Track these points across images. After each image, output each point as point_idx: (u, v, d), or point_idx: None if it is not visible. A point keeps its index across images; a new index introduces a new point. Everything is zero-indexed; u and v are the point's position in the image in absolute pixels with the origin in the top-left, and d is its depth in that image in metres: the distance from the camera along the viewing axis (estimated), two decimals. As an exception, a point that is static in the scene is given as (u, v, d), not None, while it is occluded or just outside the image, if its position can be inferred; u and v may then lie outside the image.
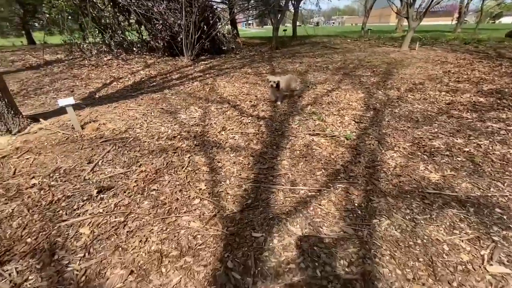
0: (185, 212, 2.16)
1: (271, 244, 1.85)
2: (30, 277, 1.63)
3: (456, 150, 2.99)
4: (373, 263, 1.69)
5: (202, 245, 1.85)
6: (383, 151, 3.04)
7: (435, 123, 3.70)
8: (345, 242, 1.86)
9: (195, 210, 2.19)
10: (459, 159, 2.83)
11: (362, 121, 3.82)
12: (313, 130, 3.55)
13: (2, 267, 1.69)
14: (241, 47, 11.71)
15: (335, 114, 4.07)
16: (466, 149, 3.00)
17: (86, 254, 1.79)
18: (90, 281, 1.61)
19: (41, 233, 1.96)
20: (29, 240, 1.91)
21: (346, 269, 1.65)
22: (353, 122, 3.80)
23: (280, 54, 9.68)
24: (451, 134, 3.36)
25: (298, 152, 3.06)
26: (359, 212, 2.13)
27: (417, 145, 3.13)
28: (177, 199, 2.32)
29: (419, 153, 2.97)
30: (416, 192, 2.36)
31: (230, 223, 2.04)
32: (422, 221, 2.04)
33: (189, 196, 2.36)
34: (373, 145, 3.17)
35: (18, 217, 2.11)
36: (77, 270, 1.68)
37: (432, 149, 3.03)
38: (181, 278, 1.62)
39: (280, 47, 11.44)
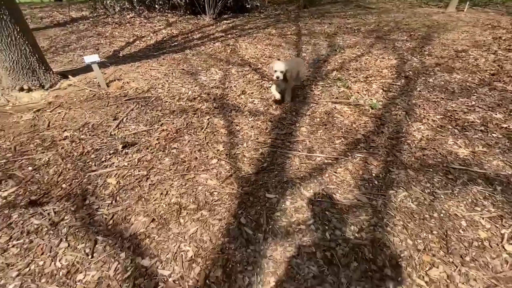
0: (203, 170, 2.25)
1: (283, 205, 1.90)
2: (66, 217, 1.83)
3: (492, 126, 2.75)
4: (384, 231, 1.70)
5: (218, 201, 1.95)
6: (409, 122, 2.87)
7: (474, 95, 3.38)
8: (358, 209, 1.86)
9: (212, 169, 2.27)
10: (494, 135, 2.62)
11: (390, 89, 3.57)
12: (336, 98, 3.40)
13: (42, 207, 1.91)
14: (266, 5, 10.95)
15: (362, 81, 3.83)
16: (505, 125, 2.75)
17: (113, 201, 1.96)
18: (117, 224, 1.79)
19: (74, 180, 2.15)
20: (64, 185, 2.11)
21: (356, 235, 1.68)
22: (381, 90, 3.57)
23: (308, 14, 8.96)
24: (490, 108, 3.07)
25: (318, 119, 2.97)
26: (376, 182, 2.10)
27: (449, 118, 2.91)
28: (196, 158, 2.40)
29: (450, 127, 2.77)
30: (440, 166, 2.25)
31: (245, 183, 2.11)
32: (442, 196, 1.97)
33: (207, 156, 2.43)
34: (399, 115, 2.99)
35: (54, 165, 2.32)
36: (106, 215, 1.86)
37: (465, 123, 2.81)
38: (197, 228, 1.74)
39: (309, 5, 10.54)
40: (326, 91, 3.58)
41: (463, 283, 1.43)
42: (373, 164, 2.29)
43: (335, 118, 2.97)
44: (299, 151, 2.47)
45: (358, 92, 3.53)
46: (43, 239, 1.67)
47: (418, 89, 3.58)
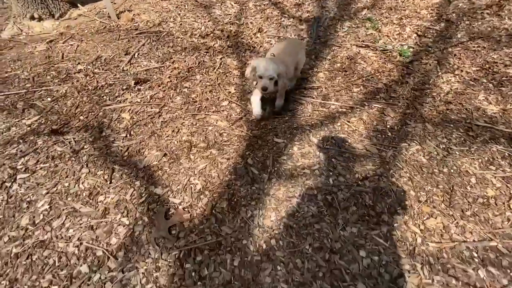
0: (213, 112, 2.25)
1: (290, 150, 1.92)
2: (85, 147, 1.96)
3: (535, 82, 2.46)
4: (388, 182, 1.71)
5: (227, 142, 1.99)
6: (440, 73, 2.61)
7: (523, 45, 2.94)
8: (365, 159, 1.85)
9: (223, 111, 2.26)
10: (534, 92, 2.36)
11: (426, 34, 3.16)
12: (363, 41, 3.08)
13: (63, 136, 2.03)
14: None
15: (394, 23, 3.39)
16: (550, 82, 2.45)
17: (128, 135, 2.05)
18: (132, 156, 1.90)
19: (90, 113, 2.23)
20: (81, 117, 2.20)
21: (359, 182, 1.71)
22: (415, 35, 3.17)
23: None
24: (538, 62, 2.70)
25: (338, 64, 2.76)
26: (389, 134, 2.03)
27: (486, 71, 2.61)
28: (207, 98, 2.37)
29: (484, 81, 2.50)
30: (463, 122, 2.12)
31: (255, 127, 2.11)
32: (457, 152, 1.90)
33: (218, 97, 2.39)
34: (430, 65, 2.71)
35: (71, 98, 2.38)
36: (121, 147, 1.97)
37: (503, 78, 2.51)
38: (206, 165, 1.82)
39: None
40: (352, 32, 3.23)
41: (458, 234, 1.48)
42: (389, 116, 2.18)
43: (357, 65, 2.75)
44: (313, 98, 2.37)
45: (388, 36, 3.16)
46: (66, 164, 1.82)
47: (459, 35, 3.15)
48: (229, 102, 2.34)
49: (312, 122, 2.13)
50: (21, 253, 1.40)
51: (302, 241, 1.43)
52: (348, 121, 2.14)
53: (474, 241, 1.44)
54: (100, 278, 1.29)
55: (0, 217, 1.55)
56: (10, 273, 1.33)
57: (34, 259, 1.37)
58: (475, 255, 1.38)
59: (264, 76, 1.78)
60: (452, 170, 1.79)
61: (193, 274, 1.29)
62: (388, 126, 2.10)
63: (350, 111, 2.24)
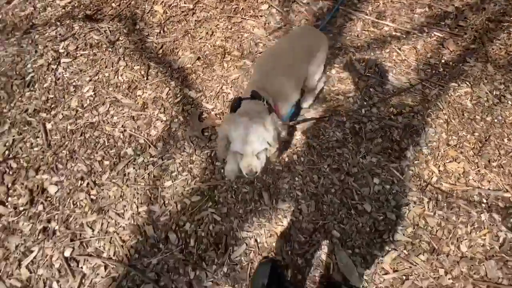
0: (251, 16, 2.05)
1: (328, 72, 1.81)
2: (120, 38, 1.93)
3: None
4: (423, 121, 1.65)
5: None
6: (531, 2, 2.11)
7: None
8: (406, 94, 1.75)
9: (261, 16, 2.05)
10: None
11: None
12: None
13: (98, 24, 1.98)
14: None
15: None
16: None
17: (161, 31, 1.97)
18: (166, 55, 1.88)
19: (122, 1, 2.10)
20: (113, 5, 2.09)
21: (392, 116, 1.67)
22: None
23: None
24: None
25: (407, -27, 2.26)
26: (441, 70, 1.84)
27: None
28: (245, -1, 2.12)
29: None
30: (532, 69, 1.85)
31: (294, 41, 1.94)
32: (509, 102, 1.74)
33: (258, -1, 2.13)
34: (523, -12, 2.17)
35: (100, -22, 2.20)
36: (156, 43, 1.92)
37: None
38: (239, 76, 1.80)
39: None
40: None
41: (475, 181, 1.51)
42: (448, 49, 1.92)
43: (430, -23, 2.24)
44: (366, 15, 2.06)
45: None
46: (104, 54, 1.85)
47: None
48: (269, 6, 2.10)
49: (359, 44, 1.93)
50: (75, 130, 1.60)
51: (322, 161, 1.53)
52: (399, 49, 1.91)
53: (489, 189, 1.48)
54: (143, 161, 1.50)
55: (52, 97, 1.71)
56: (68, 145, 1.57)
57: (87, 137, 1.58)
58: (484, 201, 1.45)
59: (246, 154, 1.03)
60: (495, 120, 1.68)
61: (222, 171, 1.47)
62: (443, 61, 1.88)
63: (404, 36, 1.97)
